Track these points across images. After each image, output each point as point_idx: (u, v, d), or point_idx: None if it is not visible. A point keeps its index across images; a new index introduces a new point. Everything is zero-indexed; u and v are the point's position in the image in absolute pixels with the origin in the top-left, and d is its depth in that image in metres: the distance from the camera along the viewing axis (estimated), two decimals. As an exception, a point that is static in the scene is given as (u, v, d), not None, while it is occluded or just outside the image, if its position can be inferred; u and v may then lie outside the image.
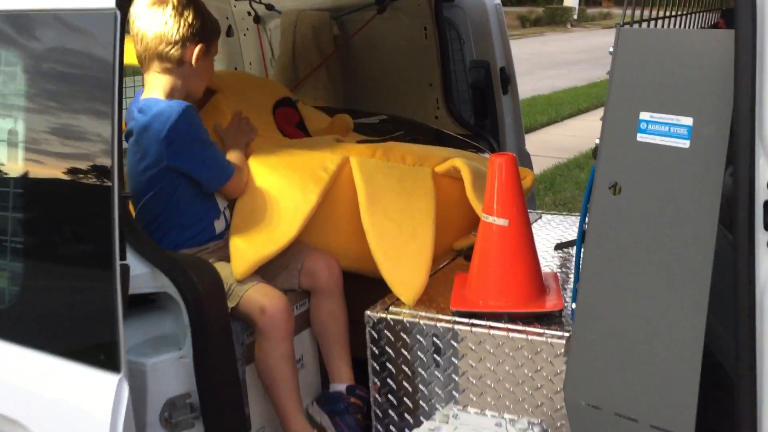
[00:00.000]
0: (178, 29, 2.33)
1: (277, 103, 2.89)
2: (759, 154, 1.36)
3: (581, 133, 9.93)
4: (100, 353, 1.66)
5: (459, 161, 2.58)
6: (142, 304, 2.14)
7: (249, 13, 3.88)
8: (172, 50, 2.34)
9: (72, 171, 1.74)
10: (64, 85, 1.76)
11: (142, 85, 2.51)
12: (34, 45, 1.82)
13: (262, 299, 2.22)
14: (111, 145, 1.64)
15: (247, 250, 2.30)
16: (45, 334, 1.81)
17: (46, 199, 1.83)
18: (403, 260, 2.34)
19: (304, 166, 2.47)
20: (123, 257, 1.77)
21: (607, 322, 1.64)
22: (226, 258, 2.36)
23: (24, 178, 1.82)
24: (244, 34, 3.97)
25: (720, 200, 1.46)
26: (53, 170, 1.79)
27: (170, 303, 2.10)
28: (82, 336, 1.74)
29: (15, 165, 1.83)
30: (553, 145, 9.49)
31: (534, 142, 9.40)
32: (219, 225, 2.44)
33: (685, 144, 1.49)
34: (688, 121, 1.49)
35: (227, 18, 3.94)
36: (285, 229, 2.34)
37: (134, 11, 2.34)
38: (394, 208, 2.43)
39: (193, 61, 2.38)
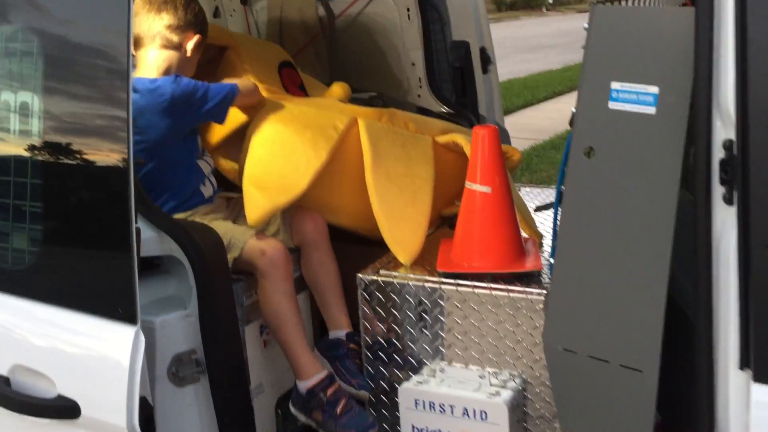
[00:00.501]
0: (185, 14, 2.49)
1: (281, 64, 3.00)
2: (715, 118, 1.52)
3: (556, 115, 10.07)
4: (118, 307, 1.79)
5: (460, 138, 2.72)
6: (146, 269, 2.27)
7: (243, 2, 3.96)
8: (175, 33, 2.49)
9: (91, 142, 1.86)
10: (81, 61, 1.88)
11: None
12: (51, 24, 1.94)
13: (261, 244, 2.38)
14: (127, 117, 1.77)
15: (260, 198, 2.41)
16: (67, 292, 1.94)
17: (68, 166, 1.94)
18: (402, 222, 2.48)
19: (316, 123, 2.59)
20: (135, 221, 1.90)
21: (582, 273, 1.80)
22: (220, 216, 2.51)
23: (45, 149, 1.94)
24: (231, 15, 4.04)
25: (682, 160, 1.63)
26: (72, 141, 1.91)
27: (174, 266, 2.24)
28: (103, 292, 1.87)
29: (36, 137, 1.95)
30: (529, 126, 9.64)
31: (511, 124, 9.45)
32: (206, 190, 2.58)
33: (652, 110, 1.65)
34: (654, 89, 1.64)
35: (217, 7, 4.02)
36: (297, 181, 2.45)
37: None
38: (396, 172, 2.57)
39: (189, 50, 2.53)
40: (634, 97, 1.66)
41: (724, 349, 1.53)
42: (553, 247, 1.92)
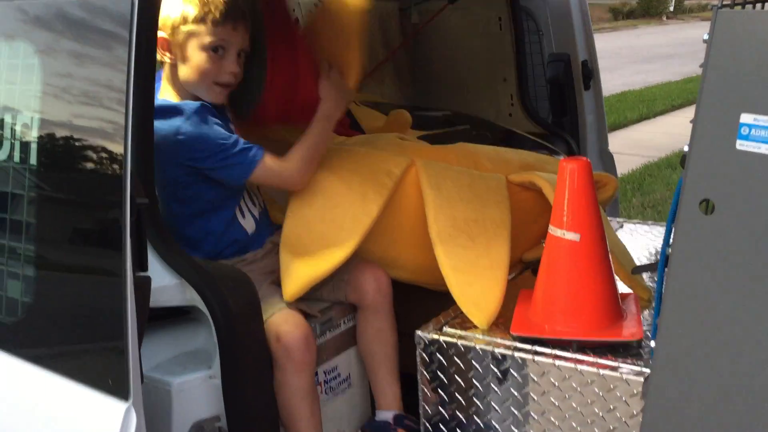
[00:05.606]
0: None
1: None
2: None
3: (674, 130, 9.43)
4: (107, 377, 1.49)
5: (539, 179, 2.29)
6: (178, 315, 2.00)
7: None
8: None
9: (85, 171, 1.59)
10: (77, 79, 1.62)
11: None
12: (47, 34, 1.69)
13: (281, 325, 2.00)
14: (124, 145, 1.48)
15: (297, 268, 2.08)
16: (51, 351, 1.66)
17: (59, 200, 1.69)
18: (475, 277, 2.08)
19: (367, 169, 2.23)
20: (144, 268, 1.61)
21: (695, 364, 1.37)
22: (268, 271, 2.18)
23: (37, 178, 1.69)
24: (309, 26, 3.83)
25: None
26: (67, 170, 1.65)
27: (204, 315, 1.95)
28: (89, 356, 1.58)
29: (29, 164, 1.69)
30: (643, 143, 9.04)
31: (622, 140, 8.99)
32: (248, 225, 2.20)
33: (799, 154, 1.21)
34: (804, 125, 1.20)
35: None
36: (341, 244, 2.11)
37: None
38: (465, 217, 2.16)
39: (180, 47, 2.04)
40: (774, 136, 1.22)
41: None
42: (655, 326, 1.49)
